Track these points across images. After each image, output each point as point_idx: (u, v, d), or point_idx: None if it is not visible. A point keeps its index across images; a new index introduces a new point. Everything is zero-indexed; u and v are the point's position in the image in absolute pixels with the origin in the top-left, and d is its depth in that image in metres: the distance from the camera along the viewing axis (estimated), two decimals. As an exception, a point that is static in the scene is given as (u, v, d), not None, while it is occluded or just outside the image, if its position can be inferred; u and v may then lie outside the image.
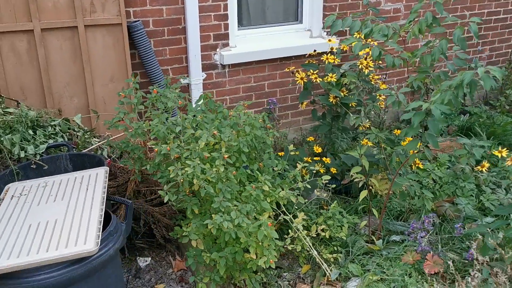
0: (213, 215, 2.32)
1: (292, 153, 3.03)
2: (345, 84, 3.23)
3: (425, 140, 2.44)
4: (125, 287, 2.74)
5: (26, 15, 3.04)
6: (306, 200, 3.00)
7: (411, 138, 2.63)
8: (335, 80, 3.15)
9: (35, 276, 1.81)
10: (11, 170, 2.60)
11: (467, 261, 2.59)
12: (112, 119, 2.58)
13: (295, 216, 2.81)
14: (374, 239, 2.96)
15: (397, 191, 3.13)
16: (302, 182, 2.82)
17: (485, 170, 2.37)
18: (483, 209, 3.17)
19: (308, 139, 3.46)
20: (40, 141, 2.85)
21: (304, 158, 3.26)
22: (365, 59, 3.16)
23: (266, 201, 2.69)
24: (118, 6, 3.25)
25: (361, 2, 4.22)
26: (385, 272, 2.66)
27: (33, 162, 2.69)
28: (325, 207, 3.19)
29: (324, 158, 3.21)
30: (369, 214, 3.02)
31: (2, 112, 2.86)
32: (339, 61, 3.28)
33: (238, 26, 3.98)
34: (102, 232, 1.97)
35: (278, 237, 2.47)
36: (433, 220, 2.66)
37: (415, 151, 2.61)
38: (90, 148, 2.99)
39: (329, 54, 3.23)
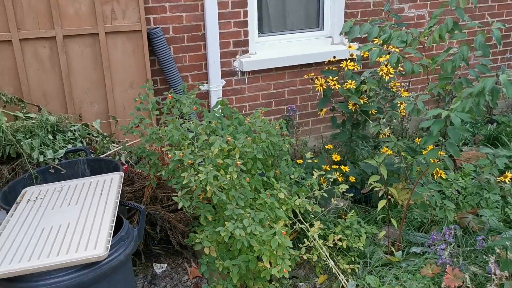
0: (226, 223, 2.30)
1: (309, 160, 2.98)
2: (365, 91, 3.18)
3: (447, 149, 2.37)
4: (139, 293, 2.73)
5: (49, 22, 3.10)
6: (323, 209, 2.95)
7: (432, 147, 2.56)
8: (354, 87, 3.09)
9: (45, 280, 1.81)
10: (30, 174, 2.64)
11: (489, 275, 2.49)
12: (128, 125, 2.59)
13: (312, 225, 2.76)
14: (394, 250, 2.88)
15: (418, 201, 3.04)
16: (319, 190, 2.78)
17: (508, 180, 2.28)
18: (508, 221, 3.05)
19: (327, 146, 3.41)
20: (59, 145, 2.88)
21: (323, 166, 3.22)
22: (386, 66, 3.10)
23: (282, 209, 2.65)
24: (138, 13, 3.28)
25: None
26: (403, 285, 2.58)
27: (51, 166, 2.72)
28: (343, 217, 3.13)
29: (342, 167, 3.15)
30: (388, 225, 2.95)
31: (24, 117, 2.91)
32: (359, 68, 3.22)
33: (259, 33, 3.97)
34: (113, 237, 1.96)
35: (292, 246, 2.43)
36: (455, 231, 2.57)
37: (436, 161, 2.53)
38: (108, 153, 3.01)
39: (349, 60, 3.18)
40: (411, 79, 4.47)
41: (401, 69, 2.67)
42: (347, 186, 2.73)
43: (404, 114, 3.19)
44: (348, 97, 3.17)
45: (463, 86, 2.51)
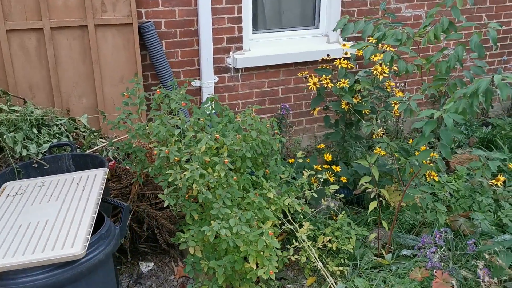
0: (212, 222, 2.24)
1: (300, 160, 2.92)
2: (359, 90, 3.12)
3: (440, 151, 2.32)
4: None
5: (37, 14, 3.03)
6: (313, 210, 2.89)
7: (425, 148, 2.51)
8: (348, 86, 3.03)
9: (21, 278, 1.75)
10: (12, 169, 2.57)
11: (479, 280, 2.44)
12: (115, 120, 2.53)
13: (301, 226, 2.71)
14: (384, 252, 2.83)
15: (409, 203, 2.99)
16: (309, 190, 2.72)
17: (501, 184, 2.22)
18: (501, 225, 3.00)
19: (318, 146, 3.35)
20: (44, 140, 2.82)
21: (314, 166, 3.16)
22: (380, 65, 3.05)
23: (271, 209, 2.60)
24: (129, 6, 3.21)
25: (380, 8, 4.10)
26: (392, 289, 2.53)
27: (34, 161, 2.65)
28: (334, 218, 3.08)
29: (333, 167, 3.09)
30: (379, 226, 2.89)
31: (8, 110, 2.84)
32: (352, 66, 3.17)
33: (253, 30, 3.91)
34: (92, 235, 1.90)
35: (280, 247, 2.37)
36: (446, 235, 2.51)
37: (429, 162, 2.48)
38: (95, 148, 2.95)
39: (343, 59, 3.12)
40: (407, 80, 4.41)
41: (396, 68, 2.61)
42: (337, 187, 2.68)
43: (398, 114, 3.13)
44: (341, 96, 3.11)
45: (457, 87, 2.45)
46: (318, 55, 3.85)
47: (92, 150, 2.97)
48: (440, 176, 3.23)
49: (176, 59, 3.58)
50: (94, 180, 2.29)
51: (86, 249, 1.79)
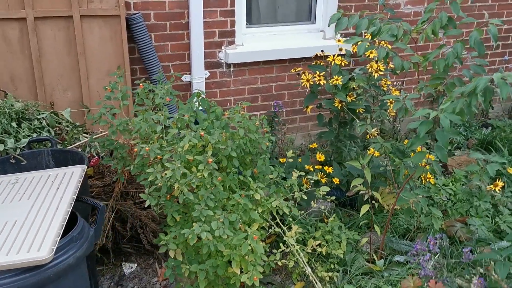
0: (194, 224, 2.13)
1: (291, 160, 2.80)
2: (353, 88, 2.99)
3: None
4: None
5: (19, 3, 2.90)
6: (302, 212, 2.78)
7: (420, 149, 2.39)
8: (341, 83, 2.91)
9: (-18, 282, 1.63)
10: (-13, 164, 2.45)
11: (476, 290, 2.32)
12: (96, 114, 2.41)
13: (290, 228, 2.59)
14: (376, 258, 2.71)
15: (404, 207, 2.88)
16: (299, 192, 2.60)
17: (499, 190, 2.10)
18: (499, 231, 2.89)
19: (311, 145, 3.23)
20: (24, 134, 2.70)
21: (306, 166, 3.04)
22: (376, 62, 2.92)
23: (258, 210, 2.48)
24: (116, -4, 3.09)
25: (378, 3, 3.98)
26: (383, 297, 2.41)
27: (12, 156, 2.53)
28: (325, 220, 2.96)
29: (326, 167, 2.97)
30: (372, 230, 2.78)
31: (-14, 103, 2.72)
32: (347, 63, 3.04)
33: (247, 24, 3.78)
34: (63, 237, 1.79)
35: (265, 251, 2.26)
36: (440, 242, 2.39)
37: (425, 165, 2.36)
38: (77, 144, 2.83)
39: (337, 55, 3.00)
40: (405, 78, 4.29)
41: (392, 66, 2.50)
42: (328, 189, 2.56)
43: (393, 114, 3.01)
44: (334, 94, 2.98)
45: (456, 86, 2.33)
46: (313, 51, 3.70)
47: (74, 145, 2.85)
48: (437, 179, 3.11)
49: (166, 53, 3.46)
50: (70, 178, 2.17)
51: (53, 253, 1.67)
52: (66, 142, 2.85)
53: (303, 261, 2.52)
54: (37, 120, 2.82)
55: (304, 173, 2.72)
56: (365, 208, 2.53)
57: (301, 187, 2.69)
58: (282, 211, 2.53)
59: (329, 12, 3.91)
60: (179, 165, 2.10)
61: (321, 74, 3.00)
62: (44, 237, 1.73)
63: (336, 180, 3.02)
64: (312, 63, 3.19)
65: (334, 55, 3.01)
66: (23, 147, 2.62)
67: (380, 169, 2.76)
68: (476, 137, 4.22)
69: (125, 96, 2.45)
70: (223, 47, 3.62)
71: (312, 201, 2.66)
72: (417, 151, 2.54)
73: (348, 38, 3.90)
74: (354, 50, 3.11)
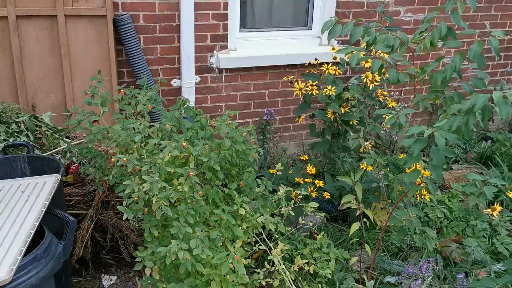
0: (172, 241, 2.00)
1: (279, 173, 2.67)
2: (348, 99, 2.87)
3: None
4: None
5: (1, 0, 2.78)
6: (290, 228, 2.64)
7: (414, 167, 2.26)
8: (335, 93, 2.78)
9: None
10: (-42, 170, 2.33)
11: (470, 317, 2.19)
12: (72, 121, 2.28)
13: (277, 244, 2.46)
14: (366, 278, 2.57)
15: (397, 225, 2.74)
16: (286, 207, 2.47)
17: (497, 214, 1.98)
18: (495, 252, 2.76)
19: (302, 157, 3.10)
20: (0, 139, 2.57)
21: (296, 178, 2.91)
22: (372, 72, 2.79)
23: (242, 226, 2.35)
24: (103, -4, 2.97)
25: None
26: (371, 322, 2.28)
27: (-16, 162, 2.41)
28: (315, 236, 2.83)
29: (316, 181, 2.84)
30: (361, 249, 2.65)
31: (-39, 104, 2.60)
32: (341, 72, 2.91)
33: (240, 28, 3.66)
34: (26, 255, 1.66)
35: (250, 267, 2.13)
36: (433, 265, 2.27)
37: (420, 183, 2.23)
38: (55, 150, 2.70)
39: (331, 64, 2.87)
40: (403, 88, 4.16)
41: (388, 76, 2.38)
42: (316, 205, 2.43)
43: (389, 127, 2.87)
44: (327, 104, 2.86)
45: (454, 101, 2.20)
46: (309, 58, 3.59)
47: (54, 151, 2.73)
48: (435, 195, 2.98)
49: (155, 56, 3.34)
50: (42, 189, 2.04)
51: (13, 273, 1.54)
52: (45, 148, 2.72)
53: (289, 281, 2.39)
54: (15, 124, 2.70)
55: (291, 188, 2.59)
56: (355, 227, 2.40)
57: (289, 202, 2.56)
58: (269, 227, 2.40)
59: (326, 17, 3.78)
60: (157, 178, 1.97)
61: (313, 83, 2.87)
62: (5, 255, 1.60)
63: (327, 195, 2.89)
64: (306, 71, 3.07)
65: (329, 63, 2.88)
66: (-2, 152, 2.50)
67: (373, 185, 2.63)
68: (475, 150, 4.09)
69: (105, 102, 2.33)
70: (215, 52, 3.50)
71: (300, 218, 2.53)
72: (412, 167, 2.41)
73: (345, 45, 3.79)
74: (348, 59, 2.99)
